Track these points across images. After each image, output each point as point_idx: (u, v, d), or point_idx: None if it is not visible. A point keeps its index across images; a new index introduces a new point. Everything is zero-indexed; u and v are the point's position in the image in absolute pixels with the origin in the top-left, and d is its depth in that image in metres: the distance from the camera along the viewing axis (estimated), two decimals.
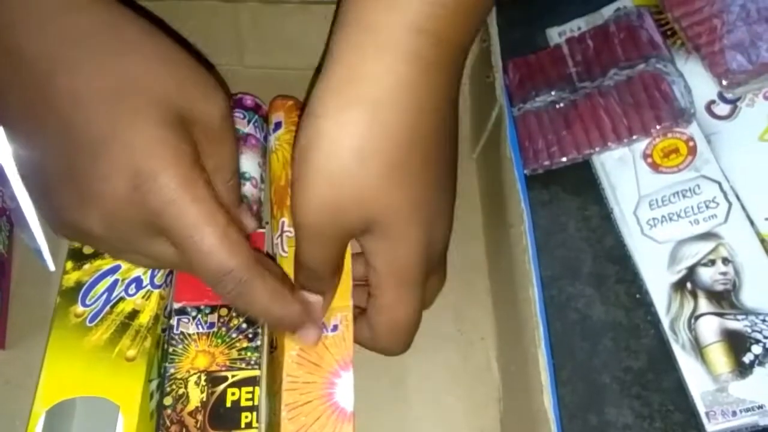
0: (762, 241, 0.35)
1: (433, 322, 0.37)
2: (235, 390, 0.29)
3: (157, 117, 0.24)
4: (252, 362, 0.30)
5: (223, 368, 0.30)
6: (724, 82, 0.38)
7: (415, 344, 0.37)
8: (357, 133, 0.25)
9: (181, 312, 0.31)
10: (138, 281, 0.31)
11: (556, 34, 0.45)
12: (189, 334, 0.30)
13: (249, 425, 0.29)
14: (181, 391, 0.29)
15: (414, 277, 0.28)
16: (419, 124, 0.26)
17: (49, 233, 0.35)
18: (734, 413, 0.32)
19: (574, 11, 0.45)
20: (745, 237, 0.35)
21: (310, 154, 0.25)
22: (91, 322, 0.29)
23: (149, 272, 0.31)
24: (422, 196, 0.27)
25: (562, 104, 0.42)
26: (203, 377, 0.29)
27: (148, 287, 0.31)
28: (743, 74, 0.37)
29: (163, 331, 0.31)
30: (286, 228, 0.33)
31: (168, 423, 0.28)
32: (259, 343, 0.30)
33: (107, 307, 0.30)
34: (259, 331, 0.31)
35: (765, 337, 0.33)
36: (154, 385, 0.30)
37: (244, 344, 0.30)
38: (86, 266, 0.31)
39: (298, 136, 0.26)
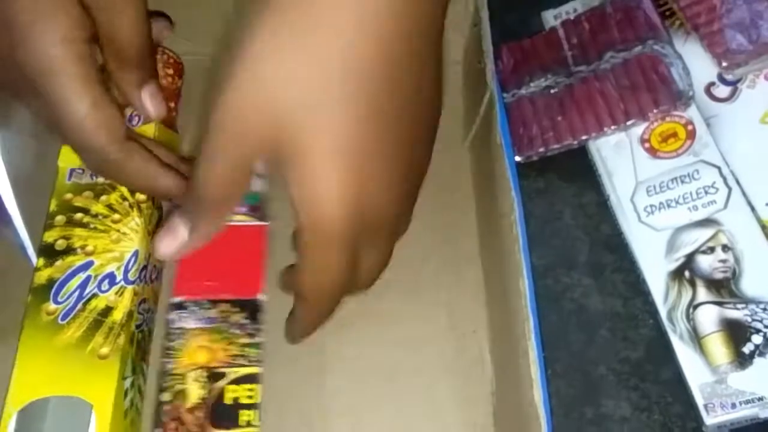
0: (763, 227, 0.34)
1: (426, 314, 0.36)
2: (236, 387, 0.28)
3: None
4: (252, 359, 0.29)
5: (223, 365, 0.29)
6: (724, 63, 0.37)
7: (407, 337, 0.36)
8: (326, 39, 0.21)
9: (180, 307, 0.30)
10: (111, 277, 0.30)
11: (551, 17, 0.44)
12: (188, 329, 0.29)
13: (249, 423, 0.28)
14: (179, 387, 0.28)
15: (330, 229, 0.23)
16: (399, 58, 0.22)
17: (32, 229, 0.35)
18: (734, 405, 0.31)
19: None
20: (746, 223, 0.34)
21: (244, 45, 0.21)
22: (63, 319, 0.29)
23: (123, 268, 0.30)
24: (373, 145, 0.22)
25: (557, 89, 0.40)
26: (203, 373, 0.28)
27: (122, 283, 0.30)
28: (743, 54, 0.36)
29: (138, 327, 0.31)
30: None
31: (166, 419, 0.28)
32: (259, 339, 0.30)
33: (80, 304, 0.29)
34: (260, 327, 0.30)
35: (765, 327, 0.32)
36: (128, 382, 0.29)
37: (245, 340, 0.29)
38: (58, 263, 0.30)
39: (244, 24, 0.22)
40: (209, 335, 0.29)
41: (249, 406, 0.28)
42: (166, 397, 0.28)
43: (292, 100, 0.21)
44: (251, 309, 0.30)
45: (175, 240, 0.27)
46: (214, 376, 0.28)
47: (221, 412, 0.28)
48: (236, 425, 0.28)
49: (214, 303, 0.30)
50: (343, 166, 0.22)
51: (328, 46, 0.21)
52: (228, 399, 0.28)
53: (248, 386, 0.28)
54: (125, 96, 0.31)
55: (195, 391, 0.28)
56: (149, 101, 0.31)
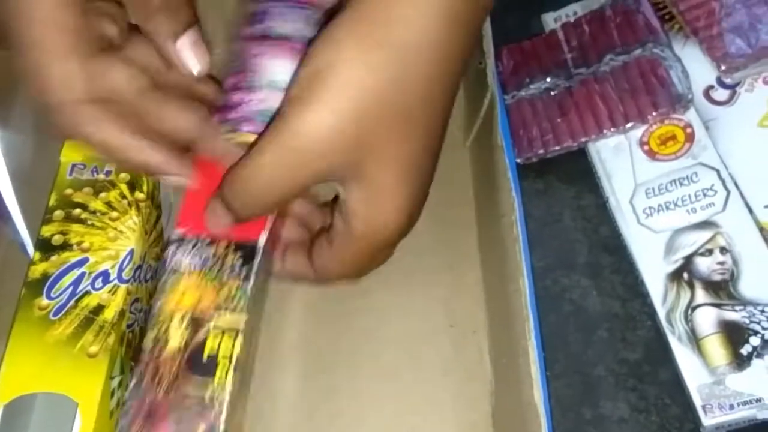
0: (761, 229, 0.34)
1: (425, 314, 0.36)
2: (217, 334, 0.27)
3: None
4: (239, 306, 0.27)
5: (209, 309, 0.27)
6: (723, 67, 0.37)
7: (407, 337, 0.36)
8: (381, 73, 0.23)
9: (179, 241, 0.28)
10: (105, 275, 0.30)
11: (551, 20, 0.44)
12: (181, 268, 0.28)
13: (225, 375, 0.27)
14: (162, 330, 0.27)
15: (386, 243, 0.27)
16: (437, 80, 0.25)
17: (31, 225, 0.34)
18: (731, 407, 0.31)
19: None
20: (744, 225, 0.34)
21: (327, 79, 0.23)
22: (54, 315, 0.29)
23: (117, 266, 0.30)
24: (421, 160, 0.26)
25: (557, 91, 0.41)
26: (187, 317, 0.27)
27: (115, 282, 0.30)
28: (742, 58, 0.36)
29: (129, 326, 0.31)
30: None
31: (144, 363, 0.27)
32: (250, 285, 0.28)
33: (72, 301, 0.29)
34: (253, 271, 0.28)
35: (763, 329, 0.32)
36: (116, 382, 0.29)
37: (235, 285, 0.28)
38: (54, 258, 0.30)
39: (312, 56, 0.24)
40: (200, 277, 0.28)
41: (227, 358, 0.27)
42: (147, 341, 0.27)
43: (382, 121, 0.24)
44: (248, 252, 0.28)
45: (221, 220, 0.27)
46: (196, 321, 0.27)
47: (198, 362, 0.27)
48: (211, 375, 0.27)
49: (213, 242, 0.28)
50: (410, 189, 0.25)
51: (418, 74, 0.24)
52: (207, 348, 0.27)
53: (230, 334, 0.27)
54: (161, 51, 0.28)
55: (176, 337, 0.27)
56: (188, 52, 0.28)
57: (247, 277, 0.28)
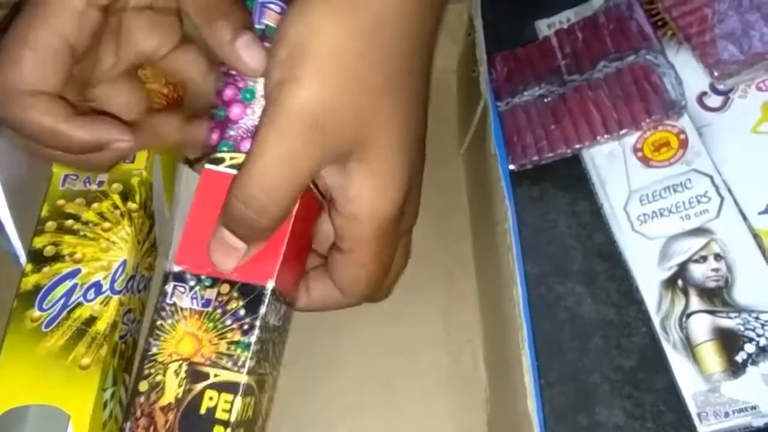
0: (755, 236, 0.34)
1: (420, 322, 0.36)
2: (214, 394, 0.25)
3: None
4: (239, 363, 0.25)
5: (207, 362, 0.25)
6: (716, 73, 0.37)
7: (402, 345, 0.36)
8: (363, 39, 0.22)
9: (179, 278, 0.26)
10: (97, 286, 0.30)
11: (545, 27, 0.44)
12: (181, 308, 0.25)
13: None
14: (159, 378, 0.25)
15: (393, 222, 0.25)
16: (415, 52, 0.25)
17: (24, 236, 0.34)
18: (727, 414, 0.31)
19: (563, 2, 0.44)
20: (738, 232, 0.34)
21: (309, 50, 0.22)
22: (46, 327, 0.29)
23: (109, 277, 0.30)
24: (413, 130, 0.25)
25: (550, 98, 0.41)
26: (184, 367, 0.25)
27: (108, 293, 0.30)
28: (735, 64, 0.36)
29: (122, 338, 0.31)
30: None
31: (138, 413, 0.25)
32: (253, 339, 0.25)
33: (64, 313, 0.29)
34: (257, 324, 0.25)
35: (758, 336, 0.32)
36: (108, 394, 0.29)
37: (237, 337, 0.25)
38: (46, 269, 0.30)
39: (285, 30, 0.23)
40: (200, 322, 0.25)
41: (223, 423, 0.24)
42: (143, 386, 0.25)
43: (371, 91, 0.23)
44: (253, 298, 0.25)
45: (236, 254, 0.25)
46: (195, 374, 0.25)
47: (193, 421, 0.24)
48: None
49: (215, 282, 0.25)
50: (407, 162, 0.25)
51: (399, 45, 0.24)
52: (203, 407, 0.24)
53: (227, 397, 0.24)
54: (220, 54, 0.27)
55: (172, 388, 0.25)
56: (245, 53, 0.26)
57: (250, 329, 0.25)
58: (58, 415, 0.27)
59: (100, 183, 0.33)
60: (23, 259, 0.35)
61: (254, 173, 0.23)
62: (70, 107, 0.27)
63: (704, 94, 0.38)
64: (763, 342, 0.32)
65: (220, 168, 0.26)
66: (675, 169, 0.37)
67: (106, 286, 0.30)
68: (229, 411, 0.24)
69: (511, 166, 0.40)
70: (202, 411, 0.24)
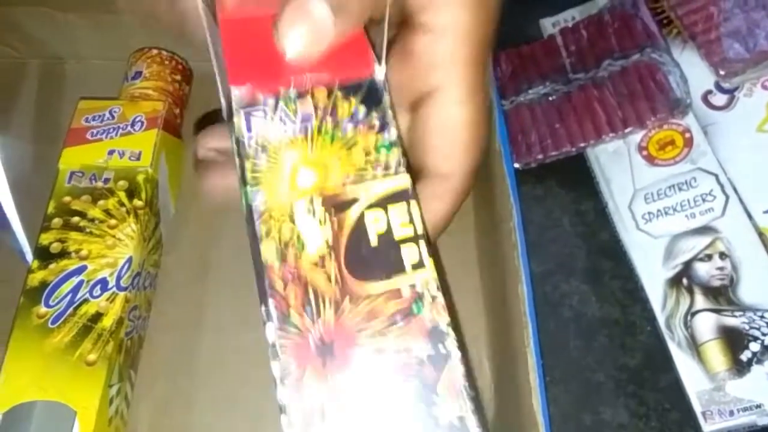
0: (760, 234, 0.34)
1: None
2: (378, 214, 0.18)
3: None
4: (393, 165, 0.18)
5: (349, 183, 0.18)
6: (721, 72, 0.37)
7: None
8: None
9: (250, 105, 0.18)
10: (103, 283, 0.30)
11: (549, 25, 0.44)
12: (271, 140, 0.18)
13: (419, 264, 0.17)
14: (285, 229, 0.17)
15: (489, 48, 0.20)
16: None
17: (30, 233, 0.34)
18: (731, 413, 0.31)
19: (568, 0, 0.44)
20: (743, 231, 0.34)
21: None
22: (53, 323, 0.29)
23: (115, 274, 0.30)
24: None
25: (555, 96, 0.41)
26: (317, 205, 0.18)
27: (114, 289, 0.30)
28: (740, 63, 0.36)
29: (128, 334, 0.31)
30: None
31: (278, 285, 0.17)
32: (394, 134, 0.19)
33: (70, 309, 0.29)
34: (388, 114, 0.19)
35: (763, 334, 0.32)
36: (114, 390, 0.29)
37: (371, 141, 0.18)
38: (52, 266, 0.30)
39: None
40: (308, 143, 0.18)
41: (410, 239, 0.18)
42: (268, 252, 0.17)
43: None
44: (366, 92, 0.19)
45: (322, 33, 0.18)
46: (339, 205, 0.18)
47: (367, 260, 0.17)
48: (399, 269, 0.17)
49: (303, 94, 0.18)
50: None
51: None
52: (374, 236, 0.18)
53: (398, 207, 0.18)
54: None
55: (314, 235, 0.17)
56: None
57: (383, 126, 0.19)
58: (65, 411, 0.27)
59: (106, 180, 0.33)
60: (29, 256, 0.35)
61: None
62: None
63: (709, 92, 0.38)
64: None
65: None
66: (680, 168, 0.36)
67: (112, 282, 0.30)
68: (411, 221, 0.18)
69: (516, 165, 0.40)
70: (374, 242, 0.18)
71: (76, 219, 0.32)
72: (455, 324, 0.18)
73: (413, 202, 0.18)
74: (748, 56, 0.36)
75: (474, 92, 0.20)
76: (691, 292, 0.34)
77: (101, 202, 0.32)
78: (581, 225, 0.39)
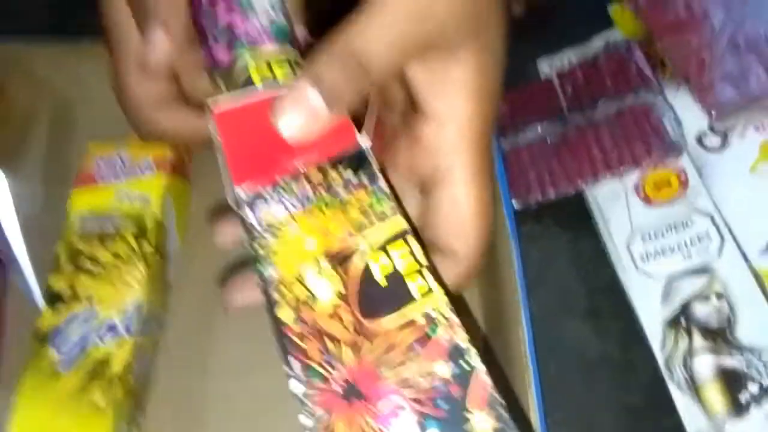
0: (756, 276, 0.34)
1: None
2: (379, 255, 0.19)
3: None
4: (386, 211, 0.20)
5: (349, 237, 0.20)
6: (714, 114, 0.38)
7: None
8: None
9: (253, 197, 0.20)
10: (113, 328, 0.30)
11: (546, 66, 0.45)
12: (278, 222, 0.20)
13: (428, 292, 0.19)
14: (298, 291, 0.19)
15: (490, 132, 0.22)
16: None
17: (40, 275, 0.35)
18: None
19: (564, 42, 0.45)
20: (739, 272, 0.34)
21: None
22: (63, 368, 0.29)
23: (125, 319, 0.31)
24: (506, 43, 0.23)
25: (553, 137, 0.41)
26: (324, 264, 0.19)
27: (123, 334, 0.31)
28: (733, 106, 0.37)
29: (136, 377, 0.31)
30: None
31: (296, 342, 0.18)
32: (382, 182, 0.21)
33: (80, 354, 0.30)
34: (375, 169, 0.21)
35: (761, 376, 0.32)
36: None
37: (363, 195, 0.20)
38: (62, 310, 0.31)
39: None
40: (309, 215, 0.20)
41: (416, 272, 0.19)
42: (284, 314, 0.19)
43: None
44: (354, 159, 0.21)
45: (314, 120, 0.20)
46: (344, 258, 0.20)
47: (379, 300, 0.19)
48: (409, 299, 0.19)
49: (297, 175, 0.21)
50: (498, 66, 0.22)
51: None
52: (381, 277, 0.19)
53: (398, 246, 0.20)
54: None
55: (325, 290, 0.19)
56: None
57: (372, 178, 0.21)
58: None
59: (115, 224, 0.34)
60: (39, 298, 0.36)
61: (376, 23, 0.20)
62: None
63: (703, 133, 0.39)
64: (766, 382, 0.32)
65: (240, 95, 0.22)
66: (676, 208, 0.37)
67: (121, 327, 0.31)
68: (412, 254, 0.20)
69: (515, 204, 0.41)
70: (382, 282, 0.19)
71: (85, 263, 0.32)
72: (476, 341, 0.19)
73: (411, 238, 0.20)
74: (740, 100, 0.37)
75: (480, 175, 0.22)
76: (689, 333, 0.34)
77: (111, 246, 0.33)
78: (580, 264, 0.39)
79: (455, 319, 0.19)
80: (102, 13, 0.25)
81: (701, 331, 0.34)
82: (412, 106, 0.23)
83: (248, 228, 0.20)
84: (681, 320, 0.35)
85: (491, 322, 0.36)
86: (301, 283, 0.19)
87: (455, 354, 0.18)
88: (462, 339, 0.18)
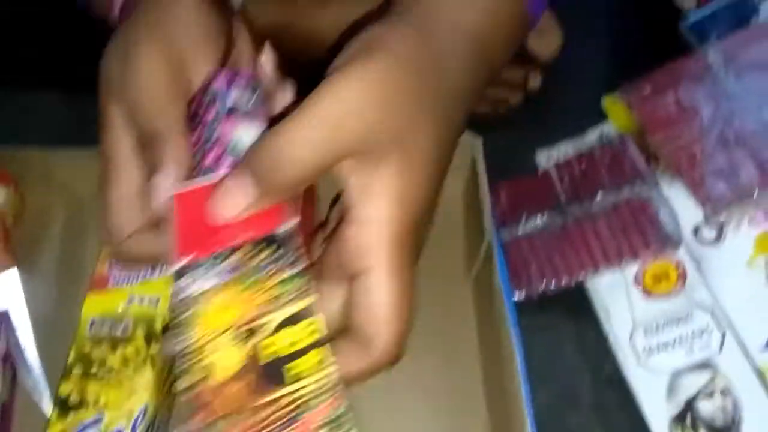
0: (759, 373, 0.34)
1: None
2: (289, 331, 0.22)
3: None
4: (300, 292, 0.23)
5: (262, 313, 0.22)
6: (708, 209, 0.39)
7: None
8: (414, 49, 0.25)
9: (187, 269, 0.23)
10: None
11: (543, 158, 0.47)
12: (205, 291, 0.23)
13: (320, 363, 0.22)
14: (206, 360, 0.22)
15: (413, 231, 0.24)
16: (461, 81, 0.26)
17: (50, 380, 0.36)
18: None
19: (560, 134, 0.47)
20: (741, 368, 0.34)
21: (382, 44, 0.24)
22: None
23: (131, 424, 0.31)
24: (451, 134, 0.26)
25: (552, 228, 0.42)
26: (238, 331, 0.22)
27: None
28: (725, 201, 0.38)
29: None
30: None
31: (193, 409, 0.21)
32: (301, 265, 0.24)
33: None
34: (299, 253, 0.24)
35: None
36: None
37: (285, 275, 0.23)
38: (70, 417, 0.31)
39: (364, 33, 0.25)
40: (233, 288, 0.23)
41: (314, 344, 0.22)
42: (186, 381, 0.22)
43: (410, 93, 0.24)
44: (283, 239, 0.24)
45: (245, 201, 0.24)
46: (248, 334, 0.22)
47: (275, 371, 0.22)
48: (287, 380, 0.22)
49: (232, 252, 0.24)
50: (432, 179, 0.25)
51: (445, 63, 0.26)
52: (283, 351, 0.22)
53: (306, 324, 0.22)
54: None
55: (233, 356, 0.22)
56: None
57: (294, 263, 0.24)
58: None
59: (125, 328, 0.34)
60: (48, 403, 0.36)
61: (302, 127, 0.23)
62: None
63: (699, 226, 0.39)
64: None
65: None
66: (676, 302, 0.38)
67: None
68: (311, 332, 0.22)
69: (517, 296, 0.41)
70: (268, 360, 0.22)
71: (94, 368, 0.33)
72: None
73: (308, 322, 0.23)
74: (731, 194, 0.38)
75: (398, 273, 0.24)
76: (695, 431, 0.34)
77: (120, 350, 0.34)
78: (584, 356, 0.40)
79: (322, 407, 0.21)
80: (100, 138, 0.27)
81: (707, 429, 0.34)
82: (343, 213, 0.25)
83: (178, 293, 0.23)
84: (686, 418, 0.35)
85: (495, 415, 0.36)
86: (214, 348, 0.22)
87: None
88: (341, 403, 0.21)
